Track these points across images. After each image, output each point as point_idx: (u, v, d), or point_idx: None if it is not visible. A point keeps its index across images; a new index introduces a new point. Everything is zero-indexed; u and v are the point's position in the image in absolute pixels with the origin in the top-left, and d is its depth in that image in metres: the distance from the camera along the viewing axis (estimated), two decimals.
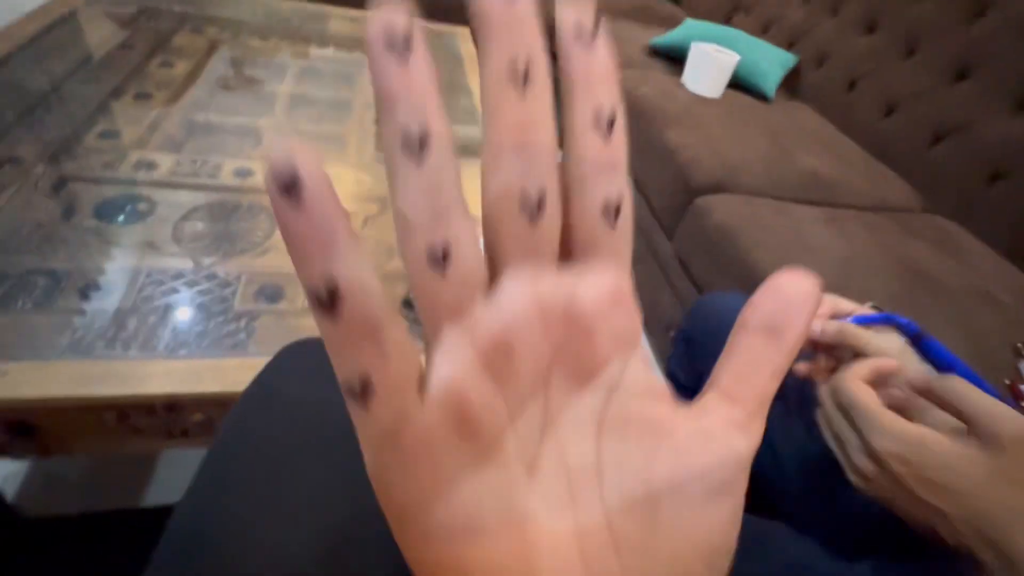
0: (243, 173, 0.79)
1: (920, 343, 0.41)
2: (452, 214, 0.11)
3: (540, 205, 0.11)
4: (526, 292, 0.12)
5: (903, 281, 0.83)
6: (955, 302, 0.81)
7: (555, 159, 0.12)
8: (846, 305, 0.46)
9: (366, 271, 0.10)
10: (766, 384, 0.12)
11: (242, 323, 0.56)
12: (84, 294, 0.55)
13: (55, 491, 0.78)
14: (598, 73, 0.11)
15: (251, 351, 0.53)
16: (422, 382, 0.11)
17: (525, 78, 0.11)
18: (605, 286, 0.12)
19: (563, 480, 0.12)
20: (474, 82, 1.24)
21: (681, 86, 1.34)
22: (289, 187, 0.09)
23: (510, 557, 0.11)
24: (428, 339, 0.12)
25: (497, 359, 0.11)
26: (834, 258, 0.84)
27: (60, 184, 0.68)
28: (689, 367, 0.70)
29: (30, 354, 0.48)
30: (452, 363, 0.11)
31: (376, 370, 0.10)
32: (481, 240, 0.12)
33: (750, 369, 0.12)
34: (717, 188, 0.98)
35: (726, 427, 0.12)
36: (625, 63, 1.44)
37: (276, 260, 0.66)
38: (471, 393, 0.11)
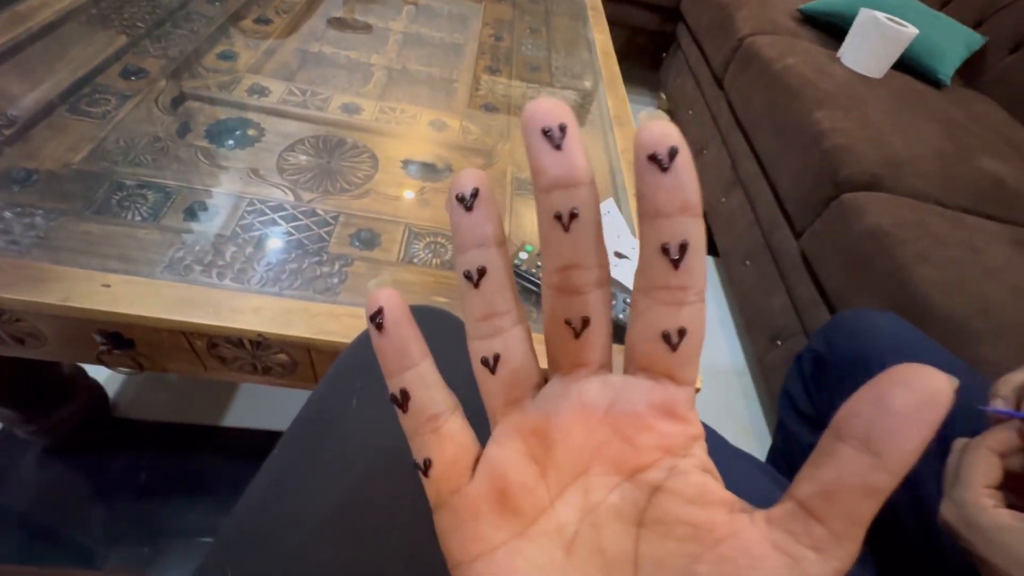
0: (350, 109, 0.75)
1: None
2: (504, 326, 0.14)
3: (584, 323, 0.13)
4: (568, 393, 0.14)
5: None
6: None
7: (601, 280, 0.13)
8: None
9: (431, 379, 0.14)
10: (858, 504, 0.10)
11: (336, 267, 0.53)
12: (188, 215, 0.54)
13: (148, 398, 0.82)
14: (673, 200, 0.11)
15: (342, 298, 0.50)
16: (476, 464, 0.14)
17: (570, 219, 0.12)
18: (652, 400, 0.13)
19: (599, 565, 0.13)
20: (596, 34, 1.13)
21: (836, 60, 1.15)
22: (375, 317, 0.13)
23: None
24: (491, 427, 0.15)
25: (538, 447, 0.14)
26: (1023, 287, 0.68)
27: (178, 101, 0.68)
28: (816, 391, 0.60)
29: (132, 268, 0.47)
30: (498, 448, 0.14)
31: (435, 452, 0.14)
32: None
33: (838, 484, 0.10)
34: (872, 185, 0.82)
35: (798, 545, 0.11)
36: (770, 29, 1.26)
37: (375, 204, 0.62)
38: (511, 474, 0.14)
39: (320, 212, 0.59)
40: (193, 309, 0.44)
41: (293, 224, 0.56)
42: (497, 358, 0.14)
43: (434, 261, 0.57)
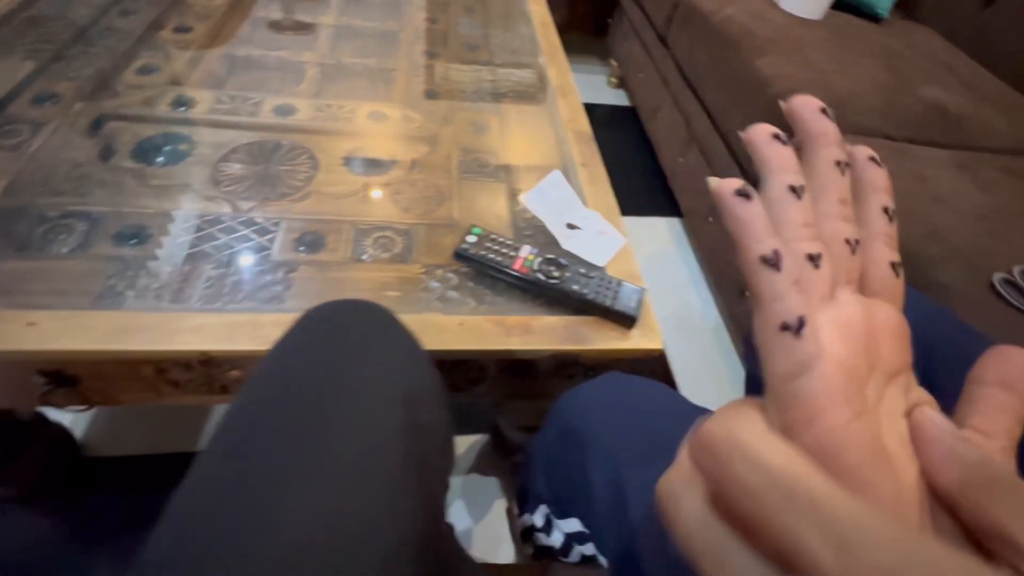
0: (284, 111, 0.73)
1: None
2: (821, 227, 0.16)
3: (858, 242, 0.16)
4: (852, 299, 0.15)
5: None
6: None
7: (854, 216, 0.17)
8: None
9: (803, 239, 0.15)
10: (1012, 426, 0.14)
11: (280, 274, 0.51)
12: (118, 240, 0.52)
13: (120, 432, 0.80)
14: (883, 183, 0.17)
15: (288, 305, 0.49)
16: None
17: (845, 166, 0.16)
18: (893, 318, 0.16)
19: (900, 442, 0.14)
20: (532, 6, 1.10)
21: (775, 6, 1.15)
22: (742, 190, 0.14)
23: (885, 477, 0.13)
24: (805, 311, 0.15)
25: (851, 333, 0.15)
26: (969, 209, 0.69)
27: (98, 123, 0.65)
28: None
29: (63, 302, 0.45)
30: (836, 321, 0.15)
31: (806, 310, 0.14)
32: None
33: (996, 412, 0.14)
34: None
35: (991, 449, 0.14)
36: None
37: (317, 205, 0.60)
38: (852, 343, 0.14)
39: (260, 220, 0.57)
40: (128, 337, 0.43)
41: (232, 236, 0.54)
42: (820, 254, 0.15)
43: (384, 256, 0.56)
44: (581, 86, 0.90)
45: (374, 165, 0.67)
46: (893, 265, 0.16)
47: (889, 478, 0.13)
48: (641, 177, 1.45)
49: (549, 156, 0.73)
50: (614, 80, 1.81)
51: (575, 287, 0.50)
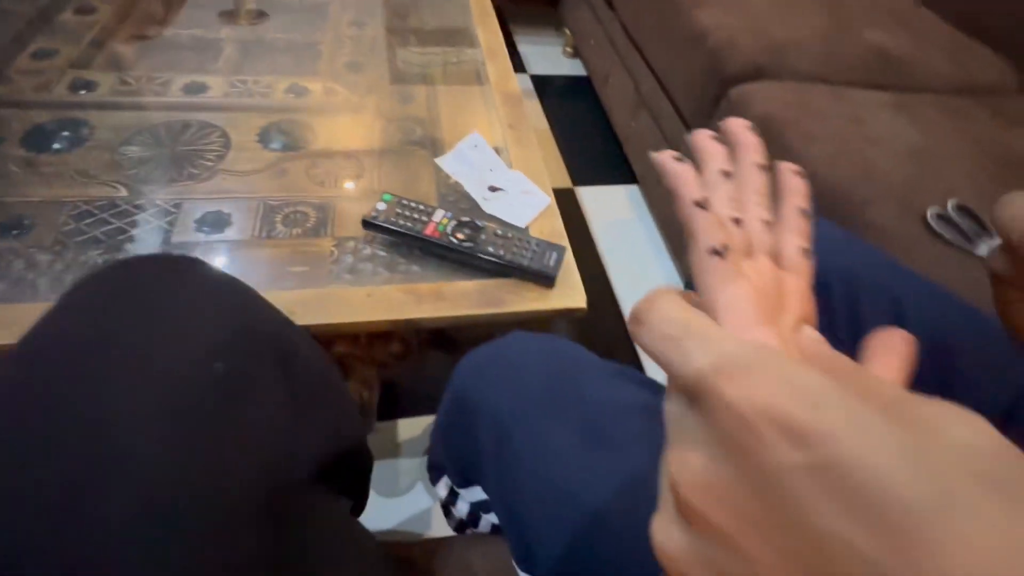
0: (195, 89, 0.69)
1: None
2: (742, 207, 0.20)
3: (766, 228, 0.20)
4: (766, 260, 0.19)
5: (993, 174, 0.66)
6: None
7: (766, 204, 0.20)
8: None
9: (722, 190, 0.20)
10: (896, 378, 0.16)
11: None
12: (2, 233, 0.48)
13: None
14: (802, 190, 0.21)
15: None
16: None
17: (727, 177, 0.20)
18: (799, 285, 0.19)
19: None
20: None
21: None
22: (679, 157, 0.19)
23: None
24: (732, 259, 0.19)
25: (764, 278, 0.18)
26: (904, 149, 0.68)
27: None
28: None
29: None
30: (752, 268, 0.19)
31: (728, 240, 0.17)
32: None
33: (883, 368, 0.17)
34: (757, 75, 0.81)
35: None
36: None
37: (224, 183, 0.57)
38: (765, 282, 0.18)
39: (159, 203, 0.53)
40: (8, 332, 0.40)
41: (126, 220, 0.51)
42: (740, 219, 0.19)
43: (295, 231, 0.53)
44: (536, 58, 0.87)
45: (289, 139, 0.64)
46: (803, 250, 0.19)
47: None
48: (599, 146, 1.42)
49: (477, 120, 0.70)
50: (569, 50, 1.77)
51: (491, 248, 0.48)
